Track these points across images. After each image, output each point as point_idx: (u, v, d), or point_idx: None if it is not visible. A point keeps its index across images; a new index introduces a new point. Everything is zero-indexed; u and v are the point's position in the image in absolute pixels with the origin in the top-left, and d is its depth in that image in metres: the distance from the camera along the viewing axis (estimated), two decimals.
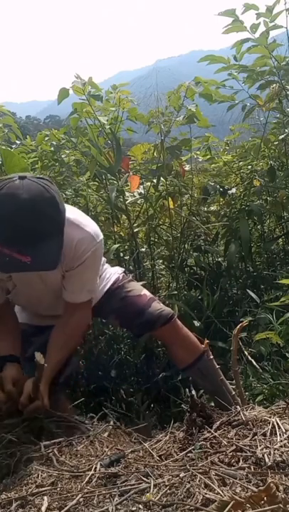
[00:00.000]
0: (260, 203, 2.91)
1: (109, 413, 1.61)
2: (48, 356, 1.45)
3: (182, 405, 1.86)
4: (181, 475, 1.00)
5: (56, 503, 0.95)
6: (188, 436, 1.19)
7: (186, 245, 2.83)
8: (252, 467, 1.00)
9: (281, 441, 1.07)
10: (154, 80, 3.06)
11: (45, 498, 0.96)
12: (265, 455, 1.02)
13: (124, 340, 2.54)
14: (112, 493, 0.95)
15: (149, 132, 2.61)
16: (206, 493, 0.90)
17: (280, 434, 1.10)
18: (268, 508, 0.81)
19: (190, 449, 1.12)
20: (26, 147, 2.85)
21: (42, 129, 3.04)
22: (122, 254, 2.65)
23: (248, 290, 2.40)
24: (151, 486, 0.96)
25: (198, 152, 2.91)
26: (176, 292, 2.52)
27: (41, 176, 1.30)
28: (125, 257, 2.66)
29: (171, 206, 2.62)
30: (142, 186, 2.59)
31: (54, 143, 2.76)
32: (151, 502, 0.91)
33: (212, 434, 1.16)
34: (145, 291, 1.75)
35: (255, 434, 1.12)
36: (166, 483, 0.97)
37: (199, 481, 0.96)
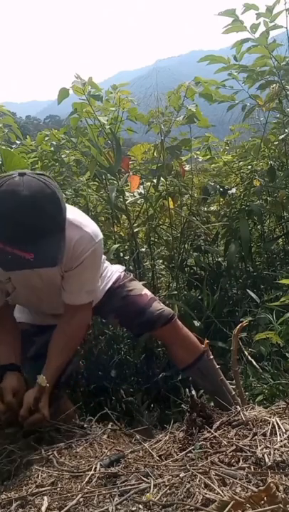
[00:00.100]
0: (260, 203, 2.91)
1: (110, 413, 1.61)
2: (49, 360, 1.45)
3: (182, 405, 1.86)
4: (181, 475, 1.00)
5: (56, 503, 0.95)
6: (188, 436, 1.19)
7: (186, 245, 2.83)
8: (252, 467, 1.00)
9: (281, 441, 1.07)
10: (154, 80, 3.06)
11: (45, 498, 0.96)
12: (265, 455, 1.02)
13: (124, 340, 2.53)
14: (112, 493, 0.95)
15: (149, 132, 2.61)
16: (206, 493, 0.90)
17: (280, 434, 1.10)
18: (268, 508, 0.81)
19: (190, 449, 1.12)
20: (26, 147, 2.84)
21: (42, 129, 3.04)
22: (122, 254, 2.64)
23: (248, 290, 2.39)
24: (151, 486, 0.96)
25: (198, 152, 2.90)
26: (176, 292, 2.51)
27: (41, 172, 1.28)
28: (125, 257, 2.65)
29: (171, 206, 2.62)
30: (142, 186, 2.59)
31: (54, 143, 2.76)
32: (151, 502, 0.91)
33: (212, 434, 1.16)
34: (146, 291, 1.75)
35: (255, 434, 1.12)
36: (166, 483, 0.97)
37: (199, 481, 0.96)
